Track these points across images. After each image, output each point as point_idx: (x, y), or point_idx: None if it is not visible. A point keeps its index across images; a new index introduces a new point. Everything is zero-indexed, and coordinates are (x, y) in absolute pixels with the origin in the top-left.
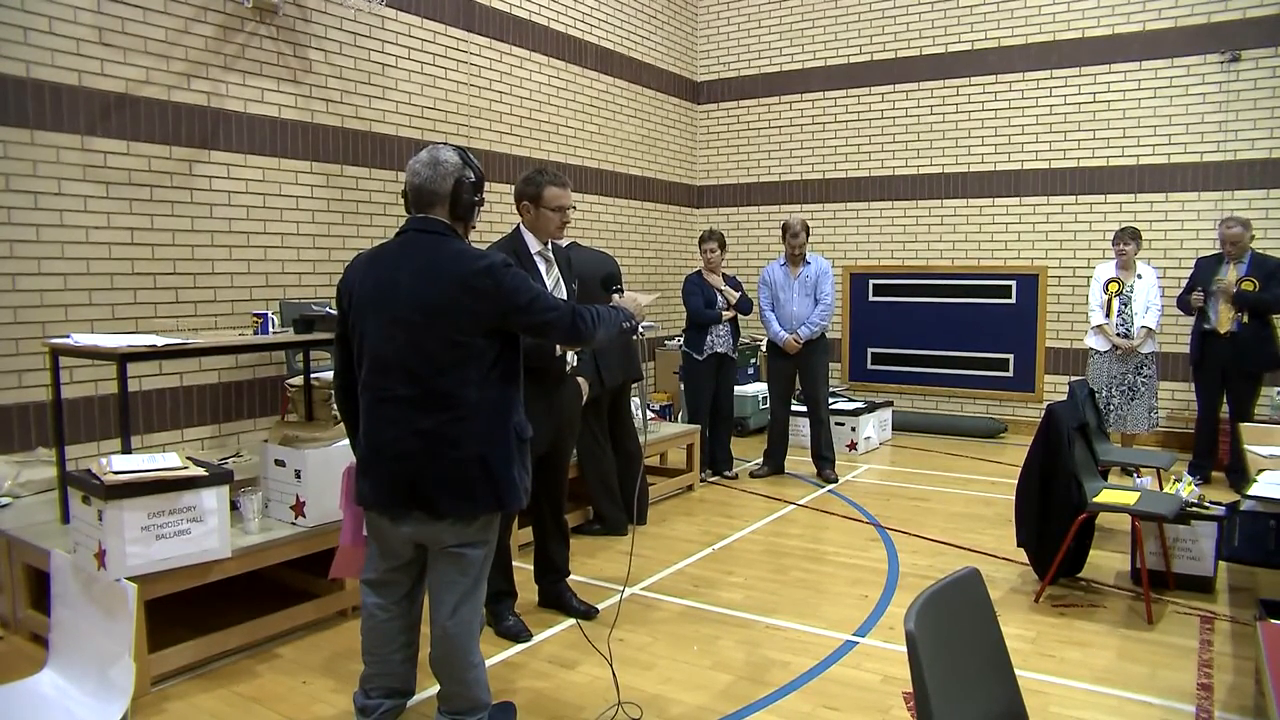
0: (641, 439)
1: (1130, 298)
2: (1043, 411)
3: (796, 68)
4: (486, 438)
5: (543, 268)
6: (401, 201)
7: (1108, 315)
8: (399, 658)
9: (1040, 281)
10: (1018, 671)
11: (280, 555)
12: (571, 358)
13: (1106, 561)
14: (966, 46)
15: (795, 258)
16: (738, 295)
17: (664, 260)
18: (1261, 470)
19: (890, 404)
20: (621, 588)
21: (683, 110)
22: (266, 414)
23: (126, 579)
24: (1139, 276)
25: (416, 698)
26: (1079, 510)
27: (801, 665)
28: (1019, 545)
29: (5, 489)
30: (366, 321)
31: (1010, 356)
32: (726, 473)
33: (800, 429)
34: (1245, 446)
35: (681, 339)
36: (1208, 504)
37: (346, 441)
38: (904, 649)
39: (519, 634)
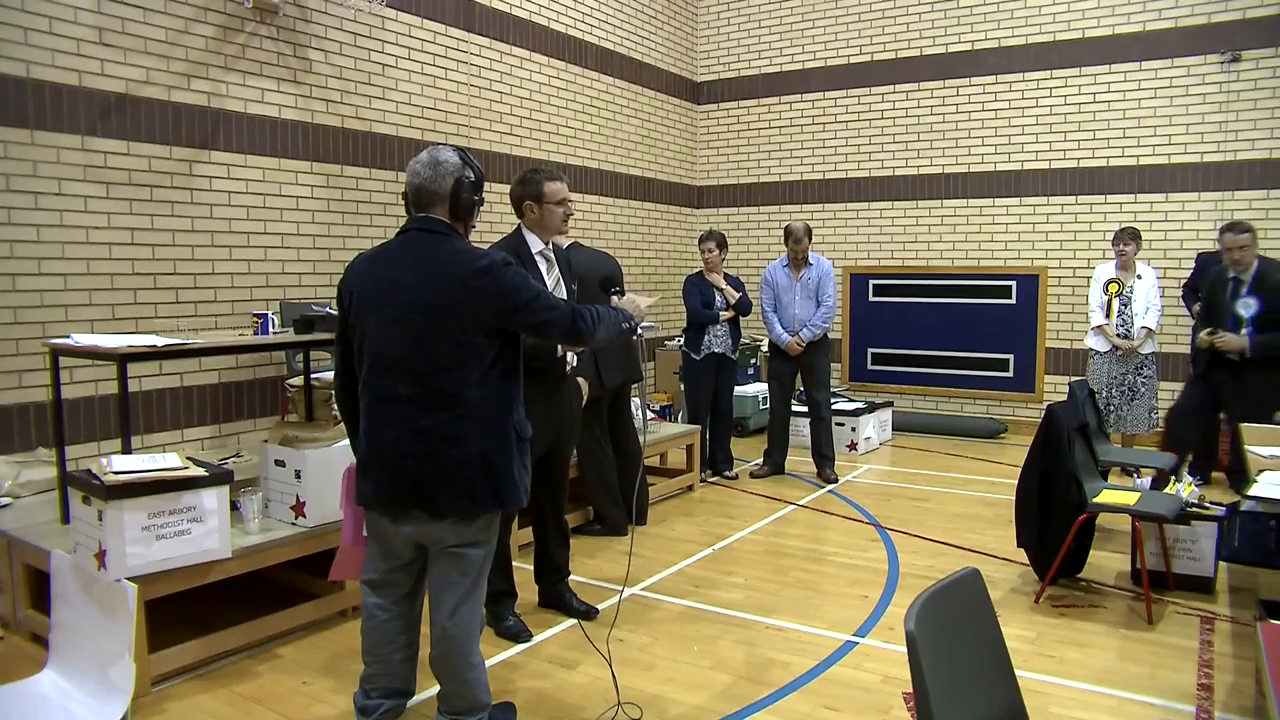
0: (641, 439)
1: (1130, 298)
2: (1043, 412)
3: (797, 68)
4: (487, 437)
5: (543, 268)
6: (402, 202)
7: (1108, 316)
8: (399, 658)
9: (1040, 282)
10: (1018, 672)
11: (280, 555)
12: (571, 358)
13: (1107, 562)
14: (967, 47)
15: (797, 261)
16: (738, 295)
17: (664, 261)
18: (1262, 470)
19: (890, 404)
20: (621, 588)
21: (683, 110)
22: (266, 414)
23: (127, 579)
24: (1139, 277)
25: (417, 698)
26: (1079, 510)
27: (801, 665)
28: (1019, 546)
29: (5, 489)
30: (367, 321)
31: (1010, 357)
32: (726, 473)
33: (800, 429)
34: (1246, 447)
35: (681, 339)
36: (1208, 504)
37: (347, 442)
38: (904, 649)
39: (519, 634)
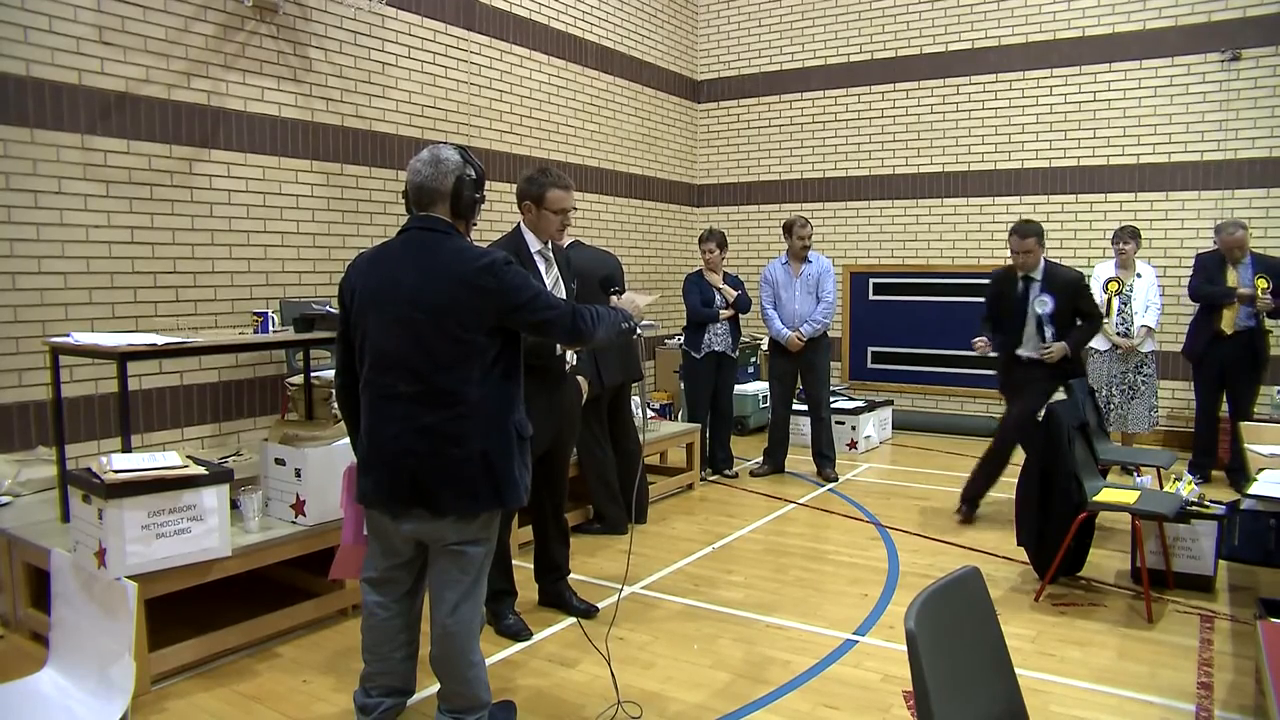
0: (641, 438)
1: (1130, 297)
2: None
3: (796, 66)
4: (488, 435)
5: (542, 267)
6: (402, 201)
7: (1108, 314)
8: (399, 656)
9: None
10: (1018, 670)
11: (280, 554)
12: (571, 357)
13: (1106, 560)
14: (967, 45)
15: (799, 254)
16: (736, 294)
17: (664, 259)
18: (1261, 469)
19: (891, 403)
20: (620, 586)
21: (683, 109)
22: (266, 413)
23: (127, 578)
24: (1138, 276)
25: (417, 696)
26: (1079, 509)
27: (801, 664)
28: (1019, 544)
29: (5, 488)
30: (369, 320)
31: None
32: (727, 471)
33: (801, 428)
34: (1245, 445)
35: (681, 338)
36: (1208, 503)
37: (347, 440)
38: (904, 648)
39: (519, 633)
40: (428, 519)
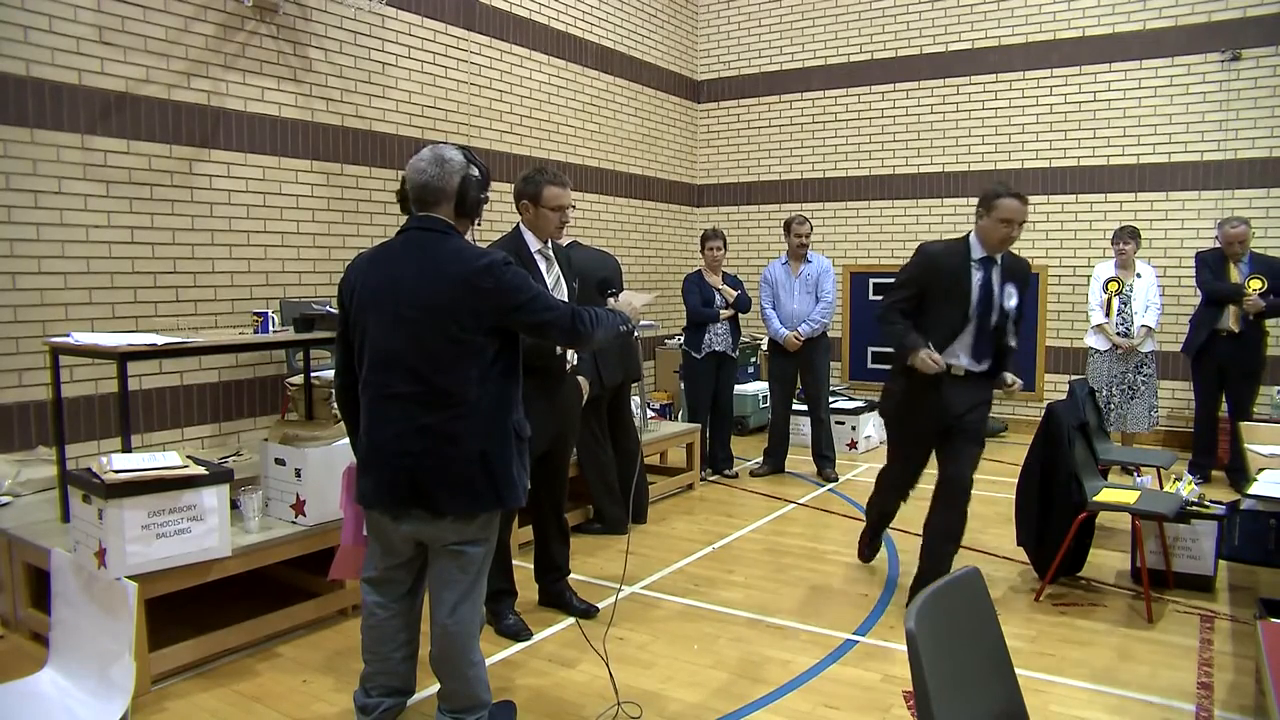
0: (640, 436)
1: (1130, 297)
2: (1043, 411)
3: (797, 66)
4: (487, 435)
5: (543, 266)
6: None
7: (1107, 314)
8: (399, 656)
9: (1040, 280)
10: (1018, 670)
11: (280, 554)
12: (572, 357)
13: (1106, 560)
14: (967, 45)
15: (799, 253)
16: (736, 294)
17: (664, 259)
18: (1261, 469)
19: None
20: (618, 585)
21: (683, 109)
22: (267, 413)
23: (127, 578)
24: (1138, 276)
25: (417, 696)
26: (1079, 509)
27: (802, 664)
28: (1019, 544)
29: (6, 488)
30: (368, 320)
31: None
32: (727, 471)
33: (801, 428)
34: (1245, 445)
35: (681, 338)
36: (1208, 503)
37: (347, 440)
38: (904, 648)
39: (519, 633)
40: (427, 519)
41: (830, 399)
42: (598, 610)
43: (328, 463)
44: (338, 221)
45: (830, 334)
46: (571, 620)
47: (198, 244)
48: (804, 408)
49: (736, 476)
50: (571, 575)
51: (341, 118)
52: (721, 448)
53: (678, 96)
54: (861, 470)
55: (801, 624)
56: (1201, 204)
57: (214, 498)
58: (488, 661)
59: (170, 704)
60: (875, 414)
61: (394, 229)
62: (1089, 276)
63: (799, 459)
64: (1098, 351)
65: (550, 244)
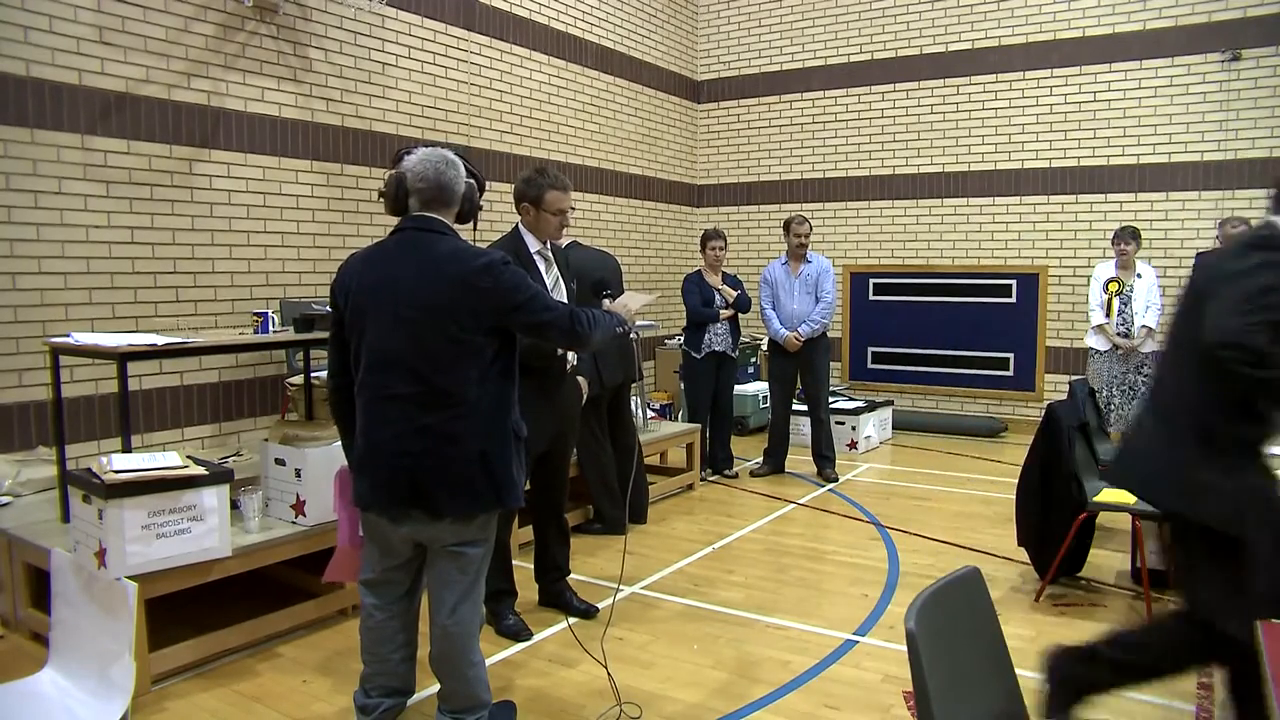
0: (641, 437)
1: (1130, 297)
2: (1043, 411)
3: (797, 66)
4: (486, 435)
5: (542, 267)
6: (387, 199)
7: (1108, 315)
8: (398, 656)
9: (1040, 281)
10: (1018, 670)
11: (280, 554)
12: (572, 357)
13: (1107, 561)
14: (967, 45)
15: (798, 253)
16: (736, 294)
17: (664, 259)
18: None
19: (891, 403)
20: (616, 584)
21: (683, 109)
22: (267, 413)
23: (127, 578)
24: (1139, 276)
25: (417, 696)
26: (1079, 509)
27: (802, 664)
28: (1019, 544)
29: (6, 488)
30: (365, 320)
31: (1010, 356)
32: (727, 472)
33: (801, 428)
34: None
35: (681, 338)
36: None
37: None
38: (904, 648)
39: (519, 633)
40: (426, 521)
41: (830, 399)
42: (598, 610)
43: (328, 463)
44: (338, 222)
45: (830, 334)
46: (574, 620)
47: (198, 244)
48: (804, 408)
49: (736, 477)
50: (571, 575)
51: (341, 118)
52: (721, 448)
53: (678, 97)
54: (861, 470)
55: (801, 624)
56: (1202, 204)
57: (214, 498)
58: (488, 662)
59: (170, 704)
60: (875, 414)
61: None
62: (1089, 277)
63: (799, 459)
64: (1098, 352)
65: (549, 245)
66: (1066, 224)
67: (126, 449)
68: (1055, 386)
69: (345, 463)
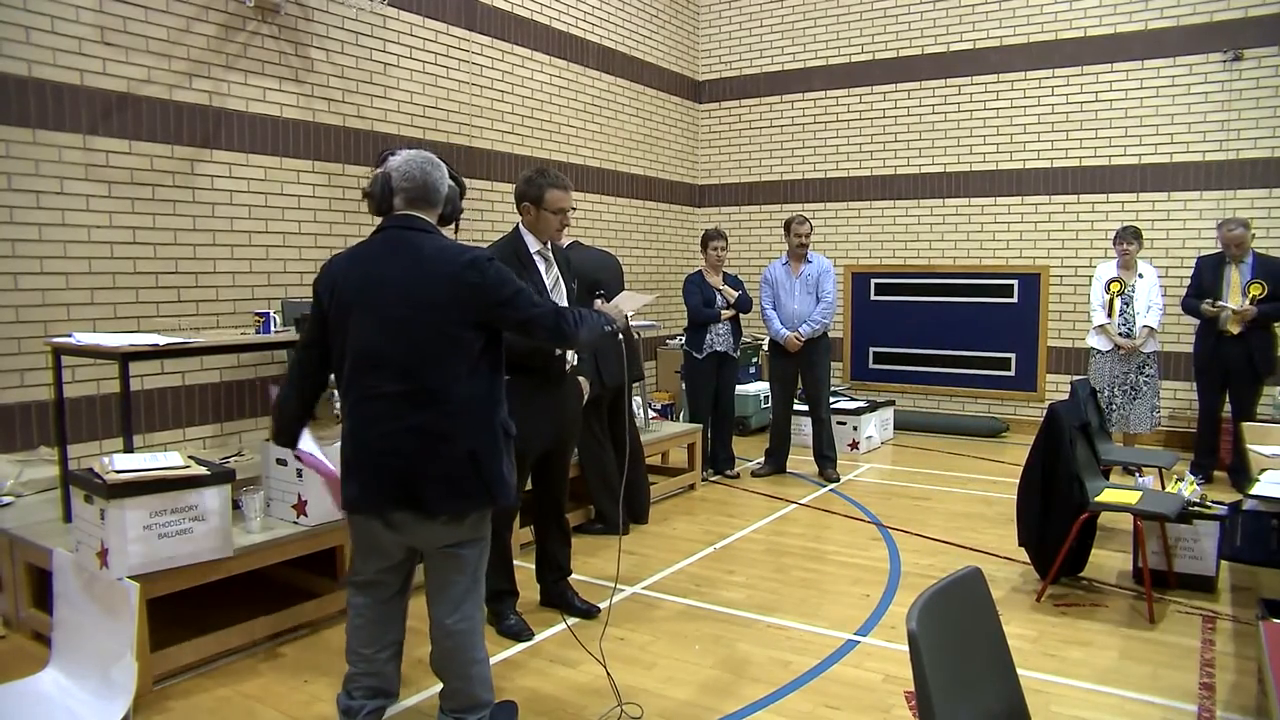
0: (643, 438)
1: (1132, 297)
2: (1044, 411)
3: (798, 67)
4: (475, 433)
5: (542, 267)
6: (372, 199)
7: (1109, 315)
8: (384, 656)
9: (1042, 281)
10: (1019, 671)
11: (282, 554)
12: (572, 357)
13: (1108, 561)
14: (968, 45)
15: (799, 253)
16: (737, 294)
17: (666, 259)
18: (1264, 470)
19: (892, 403)
20: (613, 584)
21: (684, 109)
22: (268, 413)
23: (128, 578)
24: (1140, 276)
25: (417, 697)
26: (1081, 510)
27: (803, 664)
28: (1020, 545)
29: (7, 488)
30: (350, 320)
31: (1012, 356)
32: (728, 472)
33: (802, 428)
34: (1247, 446)
35: (682, 338)
36: (1209, 503)
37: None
38: (905, 648)
39: (520, 633)
40: (418, 521)
41: (831, 399)
42: (599, 610)
43: (329, 463)
44: (339, 222)
45: (831, 334)
46: (573, 620)
47: (199, 244)
48: (805, 408)
49: (738, 477)
50: (573, 575)
51: (343, 118)
52: (723, 448)
53: (679, 97)
54: (863, 470)
55: (802, 624)
56: (1203, 204)
57: (216, 498)
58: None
59: (172, 704)
60: (876, 414)
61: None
62: (1091, 277)
63: (800, 459)
64: (1100, 352)
65: (550, 245)
66: (1068, 224)
67: (128, 449)
68: (1057, 387)
69: (310, 436)
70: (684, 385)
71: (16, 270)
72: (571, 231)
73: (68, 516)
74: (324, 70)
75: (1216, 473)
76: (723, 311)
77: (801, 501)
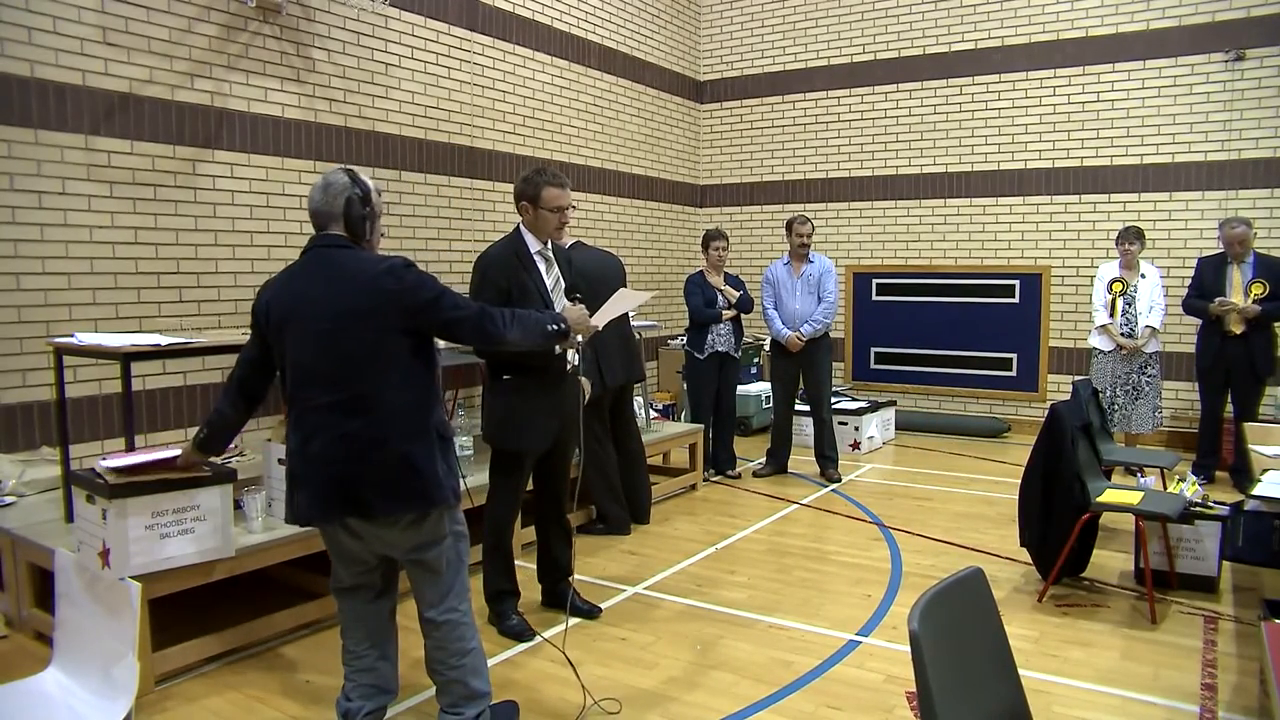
0: (644, 438)
1: (1134, 297)
2: (1046, 411)
3: (799, 67)
4: (408, 438)
5: (542, 267)
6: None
7: (1111, 315)
8: (375, 655)
9: (1043, 281)
10: (1021, 671)
11: (283, 554)
12: (574, 357)
13: (1110, 561)
14: (970, 45)
15: (800, 253)
16: (738, 294)
17: (667, 260)
18: (1265, 470)
19: (893, 403)
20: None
21: (686, 109)
22: (269, 413)
23: (130, 578)
24: (1143, 276)
25: (417, 697)
26: (1082, 510)
27: (804, 665)
28: (1022, 545)
29: (10, 488)
30: (285, 337)
31: (1014, 356)
32: (729, 472)
33: (803, 428)
34: (1249, 446)
35: (684, 338)
36: (1211, 504)
37: None
38: (907, 648)
39: (522, 633)
40: (376, 528)
41: (832, 399)
42: (600, 610)
43: None
44: None
45: (833, 334)
46: (575, 621)
47: (201, 244)
48: (806, 408)
49: (739, 477)
50: (574, 576)
51: (345, 118)
52: (724, 448)
53: (681, 97)
54: (864, 471)
55: (804, 624)
56: (1205, 204)
57: (217, 498)
58: (490, 662)
59: (173, 704)
60: (878, 414)
61: (396, 230)
62: (1092, 277)
63: (801, 459)
64: (1102, 352)
65: (550, 245)
66: (1070, 224)
67: (130, 449)
68: (1058, 387)
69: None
70: (685, 385)
71: (19, 270)
72: (573, 231)
73: (70, 516)
74: (325, 70)
75: (1218, 473)
76: (724, 312)
77: (803, 502)
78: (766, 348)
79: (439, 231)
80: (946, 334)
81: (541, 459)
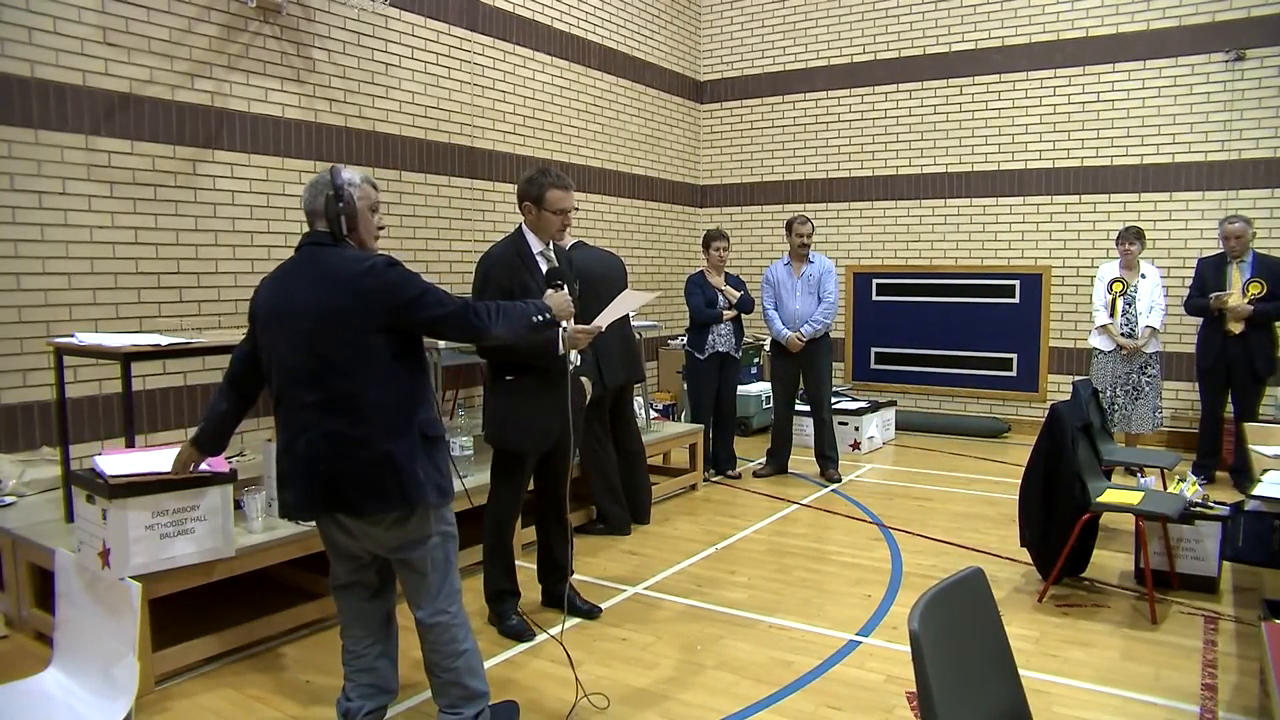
0: (644, 438)
1: (1134, 297)
2: (1046, 411)
3: (800, 67)
4: (391, 437)
5: (543, 267)
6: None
7: (1112, 315)
8: (374, 652)
9: (1044, 281)
10: (1021, 671)
11: (284, 554)
12: (575, 357)
13: (1110, 561)
14: (970, 45)
15: (800, 253)
16: (738, 295)
17: (667, 260)
18: (1266, 470)
19: (894, 404)
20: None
21: (686, 110)
22: (269, 413)
23: (130, 578)
24: (1143, 276)
25: (418, 697)
26: (1082, 510)
27: (805, 665)
28: (1022, 545)
29: (10, 488)
30: (272, 336)
31: (1014, 356)
32: (730, 472)
33: (804, 429)
34: (1250, 446)
35: (684, 339)
36: (1211, 504)
37: None
38: (907, 649)
39: (522, 633)
40: (362, 525)
41: (833, 399)
42: (600, 610)
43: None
44: None
45: (833, 334)
46: (575, 621)
47: (201, 244)
48: (806, 408)
49: (739, 477)
50: (574, 576)
51: (345, 119)
52: (724, 448)
53: (681, 97)
54: (864, 471)
55: (804, 624)
56: (1205, 204)
57: (218, 498)
58: (491, 662)
59: (174, 704)
60: (878, 414)
61: (396, 229)
62: (1093, 277)
63: (801, 459)
64: (1102, 352)
65: (552, 245)
66: (1070, 224)
67: (129, 448)
68: (1058, 387)
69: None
70: (685, 385)
71: (19, 270)
72: (573, 232)
73: (70, 516)
74: (326, 71)
75: (1219, 473)
76: (724, 312)
77: (803, 502)
78: (767, 348)
79: (439, 231)
80: (947, 334)
81: (542, 459)
